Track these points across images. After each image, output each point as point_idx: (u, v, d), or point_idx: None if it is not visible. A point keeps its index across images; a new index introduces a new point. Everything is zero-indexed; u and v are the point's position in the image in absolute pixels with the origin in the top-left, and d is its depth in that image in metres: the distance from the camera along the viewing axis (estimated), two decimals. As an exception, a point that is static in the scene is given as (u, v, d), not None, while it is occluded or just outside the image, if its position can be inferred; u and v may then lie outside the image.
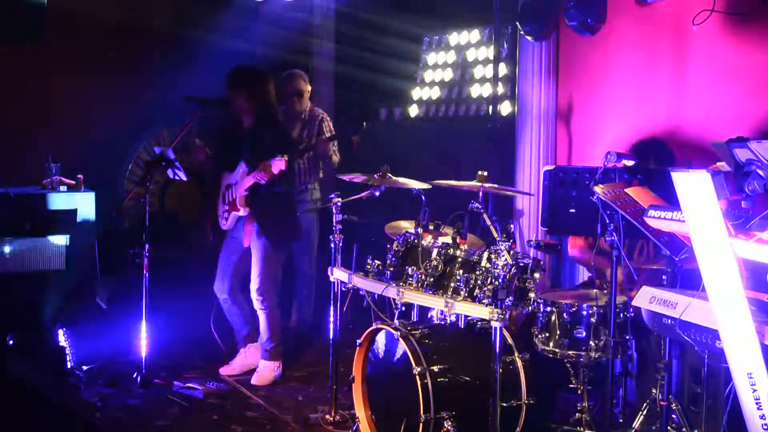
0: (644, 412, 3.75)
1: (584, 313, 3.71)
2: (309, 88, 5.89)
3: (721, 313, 2.31)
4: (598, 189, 3.25)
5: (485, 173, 4.09)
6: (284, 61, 6.42)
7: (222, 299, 5.14)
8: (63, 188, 5.64)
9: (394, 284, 3.81)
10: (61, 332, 5.00)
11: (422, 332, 3.78)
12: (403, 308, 3.98)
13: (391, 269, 3.89)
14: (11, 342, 4.73)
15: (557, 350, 3.74)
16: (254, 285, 4.97)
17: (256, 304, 5.01)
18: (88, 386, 4.83)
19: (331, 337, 4.43)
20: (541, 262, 3.64)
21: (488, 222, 3.58)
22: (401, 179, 4.26)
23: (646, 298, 2.84)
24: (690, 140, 4.54)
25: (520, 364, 3.74)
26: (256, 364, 5.12)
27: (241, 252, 5.04)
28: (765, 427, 2.27)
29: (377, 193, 4.32)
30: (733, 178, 2.84)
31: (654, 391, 3.65)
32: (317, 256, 5.96)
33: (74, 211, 5.62)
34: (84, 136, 6.42)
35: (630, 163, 3.45)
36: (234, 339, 5.29)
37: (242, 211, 4.89)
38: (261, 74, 5.05)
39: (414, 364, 3.57)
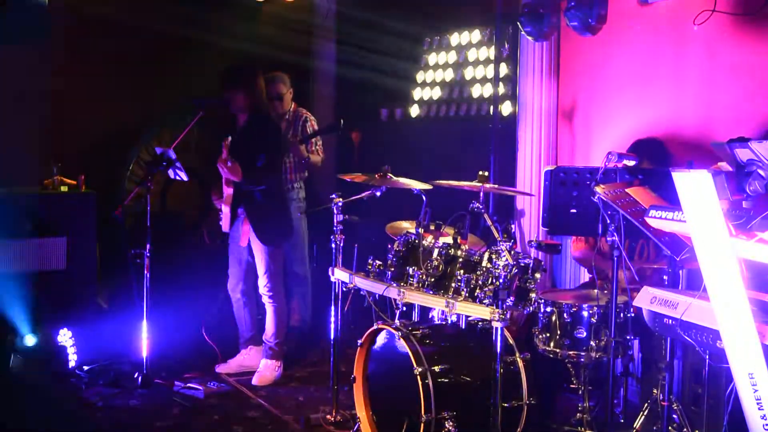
0: (645, 413, 3.75)
1: (585, 313, 3.71)
2: (290, 90, 5.77)
3: (722, 313, 2.30)
4: (599, 189, 3.25)
5: (486, 173, 4.09)
6: (285, 61, 6.41)
7: (235, 299, 5.21)
8: (63, 188, 5.64)
9: (395, 284, 3.81)
10: (62, 332, 5.00)
11: (423, 332, 3.78)
12: (404, 308, 3.97)
13: (392, 269, 3.89)
14: None
15: (558, 350, 3.74)
16: (262, 282, 5.05)
17: (265, 299, 5.07)
18: (89, 386, 4.85)
19: (332, 337, 4.43)
20: (542, 263, 3.64)
21: (489, 222, 3.58)
22: (402, 179, 4.27)
23: (647, 299, 2.84)
24: (691, 140, 4.54)
25: (521, 364, 3.74)
26: (254, 366, 5.14)
27: (246, 253, 5.07)
28: (766, 427, 2.27)
29: (378, 194, 4.33)
30: (734, 178, 2.84)
31: (655, 391, 3.65)
32: (310, 255, 5.94)
33: (74, 211, 5.61)
34: (84, 136, 6.41)
35: (631, 163, 3.45)
36: (236, 340, 5.30)
37: (225, 209, 4.90)
38: (256, 72, 5.07)
39: (415, 365, 3.57)
